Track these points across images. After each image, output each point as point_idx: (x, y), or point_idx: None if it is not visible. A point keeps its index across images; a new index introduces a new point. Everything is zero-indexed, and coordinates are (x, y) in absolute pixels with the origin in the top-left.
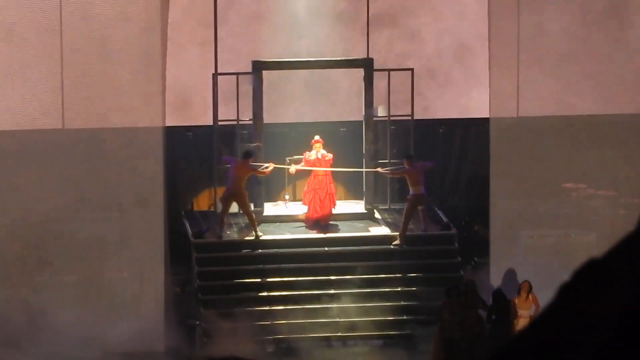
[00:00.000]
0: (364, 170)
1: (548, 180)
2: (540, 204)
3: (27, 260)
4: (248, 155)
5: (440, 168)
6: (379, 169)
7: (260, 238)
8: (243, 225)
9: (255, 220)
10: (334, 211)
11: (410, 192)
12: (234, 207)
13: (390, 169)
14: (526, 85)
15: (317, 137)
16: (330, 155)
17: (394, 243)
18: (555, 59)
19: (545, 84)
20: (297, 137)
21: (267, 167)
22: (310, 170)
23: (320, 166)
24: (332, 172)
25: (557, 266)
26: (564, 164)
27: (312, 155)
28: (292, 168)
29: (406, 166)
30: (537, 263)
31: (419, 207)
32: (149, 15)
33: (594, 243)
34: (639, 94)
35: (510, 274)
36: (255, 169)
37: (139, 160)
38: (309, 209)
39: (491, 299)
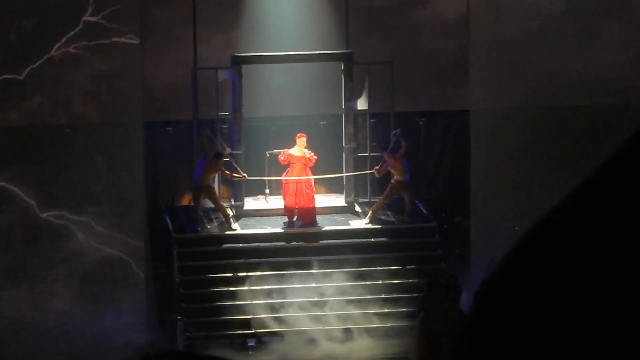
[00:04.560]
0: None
1: (529, 171)
2: (521, 196)
3: (8, 255)
4: (218, 156)
5: (421, 160)
6: (375, 170)
7: (235, 231)
8: (224, 219)
9: (234, 213)
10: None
11: (394, 178)
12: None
13: (378, 169)
14: (507, 77)
15: (300, 134)
16: (315, 157)
17: (365, 222)
18: (535, 51)
19: (525, 76)
20: (277, 131)
21: (240, 174)
22: (289, 164)
23: (305, 163)
24: (312, 166)
25: None
26: (545, 155)
27: (294, 151)
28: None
29: (387, 159)
30: None
31: (403, 193)
32: (129, 9)
33: None
34: (621, 85)
35: (492, 263)
36: (223, 169)
37: (119, 155)
38: (284, 197)
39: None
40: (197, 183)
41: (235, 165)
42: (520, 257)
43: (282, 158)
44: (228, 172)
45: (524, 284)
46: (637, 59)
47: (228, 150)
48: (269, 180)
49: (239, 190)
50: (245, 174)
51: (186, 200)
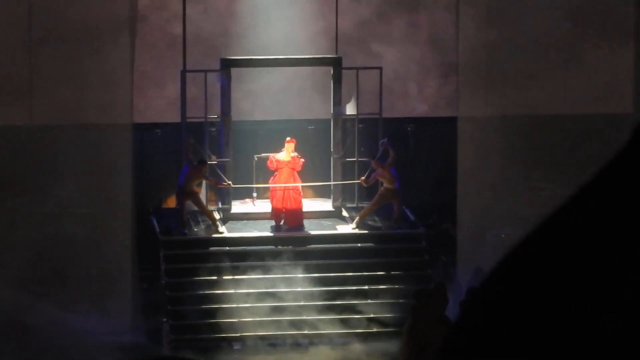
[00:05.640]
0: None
1: (515, 179)
2: (508, 203)
3: None
4: (202, 163)
5: (408, 166)
6: (362, 180)
7: (222, 234)
8: (211, 222)
9: (221, 217)
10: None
11: (384, 186)
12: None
13: (366, 179)
14: (494, 84)
15: (288, 138)
16: (302, 160)
17: (352, 227)
18: (523, 58)
19: (513, 83)
20: (265, 135)
21: (224, 182)
22: (276, 170)
23: (293, 166)
24: (299, 170)
25: None
26: (532, 162)
27: (282, 156)
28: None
29: (375, 168)
30: None
31: (392, 200)
32: (118, 11)
33: None
34: (606, 94)
35: (478, 272)
36: (207, 176)
37: (107, 157)
38: (271, 200)
39: (465, 296)
40: (180, 188)
41: (221, 173)
42: (510, 266)
43: (272, 166)
44: (213, 180)
45: (513, 293)
46: (624, 68)
47: (214, 159)
48: (256, 181)
49: (226, 194)
50: (230, 182)
51: (173, 202)
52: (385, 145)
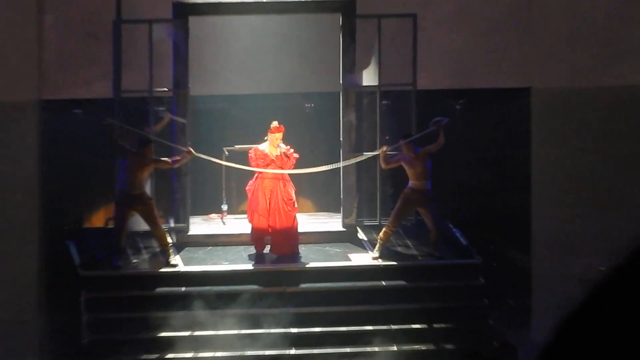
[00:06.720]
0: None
1: (616, 181)
2: (605, 218)
3: None
4: (145, 142)
5: (456, 162)
6: (382, 151)
7: (175, 267)
8: (159, 249)
9: (173, 241)
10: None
11: (409, 185)
12: (142, 223)
13: (387, 160)
14: (581, 42)
15: (275, 123)
16: (296, 156)
17: (372, 256)
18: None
19: (605, 39)
20: (241, 117)
21: (182, 153)
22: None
23: (282, 165)
24: (291, 169)
25: None
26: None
27: (265, 148)
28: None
29: (404, 151)
30: None
31: (422, 210)
32: None
33: None
34: None
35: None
36: (158, 160)
37: (4, 149)
38: (251, 217)
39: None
40: (124, 194)
41: (176, 145)
42: (600, 314)
43: (256, 163)
44: (167, 160)
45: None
46: None
47: (168, 117)
48: (227, 188)
49: (181, 207)
50: (190, 149)
51: (102, 218)
52: (438, 127)
